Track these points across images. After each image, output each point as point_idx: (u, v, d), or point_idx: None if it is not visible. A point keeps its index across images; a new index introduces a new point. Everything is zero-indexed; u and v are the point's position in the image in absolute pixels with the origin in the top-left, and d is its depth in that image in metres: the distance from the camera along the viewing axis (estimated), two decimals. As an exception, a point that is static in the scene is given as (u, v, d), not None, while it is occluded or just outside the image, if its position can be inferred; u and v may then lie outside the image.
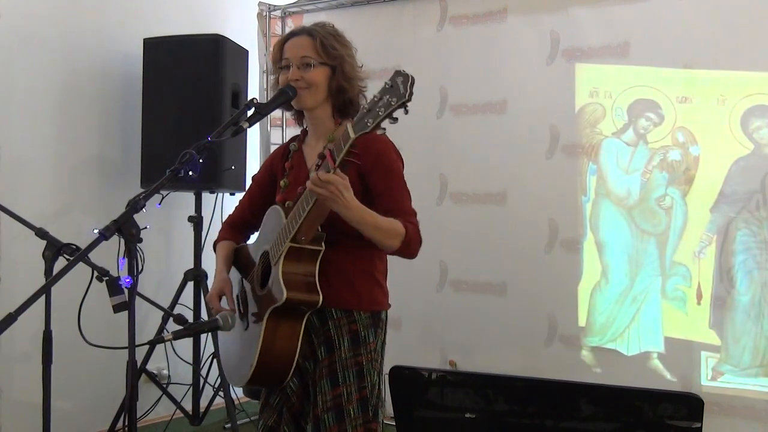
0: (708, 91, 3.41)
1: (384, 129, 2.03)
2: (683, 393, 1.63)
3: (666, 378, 3.53)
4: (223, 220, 2.68)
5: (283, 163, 2.49)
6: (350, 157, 2.07)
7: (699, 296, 3.45)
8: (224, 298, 2.42)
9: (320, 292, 2.21)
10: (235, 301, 2.44)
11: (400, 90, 1.94)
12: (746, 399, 3.33)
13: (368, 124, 1.97)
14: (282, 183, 2.44)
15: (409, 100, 1.94)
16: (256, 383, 2.32)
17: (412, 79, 1.94)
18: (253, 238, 2.57)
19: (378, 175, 2.29)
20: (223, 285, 2.43)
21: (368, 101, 2.00)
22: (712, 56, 3.40)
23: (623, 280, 3.64)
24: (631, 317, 3.63)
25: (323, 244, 2.23)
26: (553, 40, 3.78)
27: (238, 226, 2.61)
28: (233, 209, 2.65)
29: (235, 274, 2.52)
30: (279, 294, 2.18)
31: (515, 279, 3.92)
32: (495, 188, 3.96)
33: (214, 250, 2.58)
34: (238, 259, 2.54)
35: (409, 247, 2.26)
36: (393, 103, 1.94)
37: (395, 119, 1.97)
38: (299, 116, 2.49)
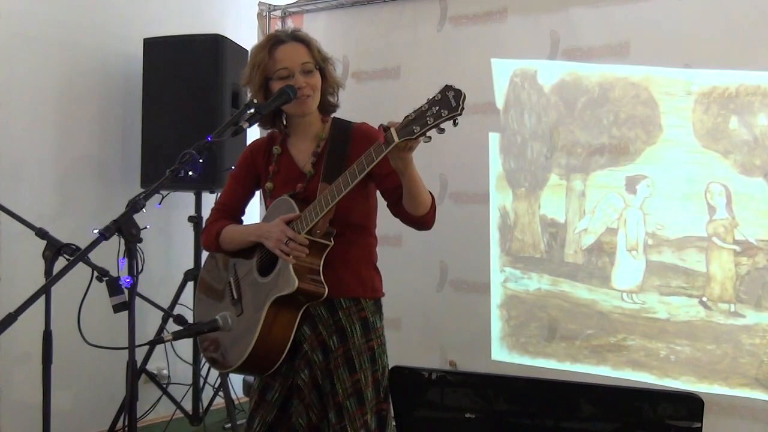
0: (708, 91, 3.40)
1: (429, 138, 2.07)
2: (683, 393, 1.63)
3: (666, 378, 3.52)
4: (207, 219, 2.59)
5: (267, 166, 2.48)
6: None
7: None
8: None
9: (325, 285, 2.27)
10: (230, 286, 2.46)
11: (451, 104, 2.00)
12: (746, 399, 3.32)
13: (415, 131, 2.03)
14: (268, 186, 2.45)
15: (461, 114, 2.00)
16: (242, 371, 2.38)
17: (464, 95, 2.00)
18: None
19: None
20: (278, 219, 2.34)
21: (414, 110, 2.05)
22: (712, 56, 3.39)
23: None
24: (631, 317, 3.62)
25: (332, 239, 2.30)
26: (553, 40, 3.78)
27: (229, 216, 2.54)
28: (212, 209, 2.59)
29: (229, 261, 2.51)
30: (289, 283, 2.24)
31: (515, 279, 3.91)
32: (495, 188, 3.96)
33: (217, 240, 2.47)
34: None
35: (434, 209, 2.37)
36: (444, 115, 2.00)
37: (442, 130, 2.04)
38: (273, 119, 2.47)
